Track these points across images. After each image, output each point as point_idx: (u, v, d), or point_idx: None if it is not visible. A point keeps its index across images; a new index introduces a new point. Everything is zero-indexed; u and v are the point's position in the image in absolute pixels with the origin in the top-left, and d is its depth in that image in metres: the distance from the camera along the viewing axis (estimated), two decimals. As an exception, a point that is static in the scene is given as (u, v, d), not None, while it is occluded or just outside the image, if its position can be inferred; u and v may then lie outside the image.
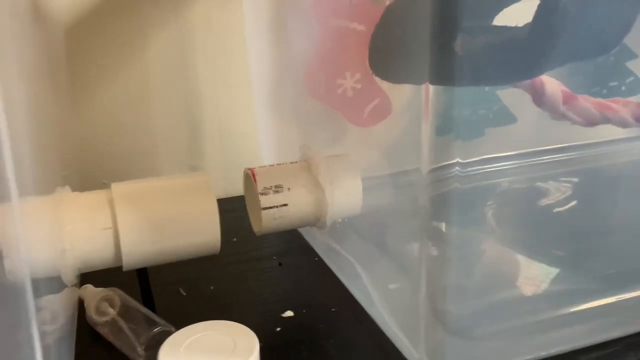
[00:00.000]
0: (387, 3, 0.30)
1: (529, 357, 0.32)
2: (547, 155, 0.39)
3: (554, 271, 0.35)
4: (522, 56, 0.27)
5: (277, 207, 0.37)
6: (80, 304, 0.36)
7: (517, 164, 0.38)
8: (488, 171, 0.36)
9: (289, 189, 0.37)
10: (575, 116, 0.34)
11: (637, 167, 0.40)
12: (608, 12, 0.29)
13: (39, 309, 0.22)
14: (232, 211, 0.39)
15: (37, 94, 0.30)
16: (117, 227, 0.32)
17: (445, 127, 0.28)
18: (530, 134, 0.36)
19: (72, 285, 0.34)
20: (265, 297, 0.39)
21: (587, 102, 0.34)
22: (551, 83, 0.33)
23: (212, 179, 0.35)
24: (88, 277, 0.36)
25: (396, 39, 0.29)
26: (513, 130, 0.34)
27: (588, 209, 0.38)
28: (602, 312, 0.34)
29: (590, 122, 0.34)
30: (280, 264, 0.43)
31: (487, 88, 0.33)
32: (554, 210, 0.38)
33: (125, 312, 0.34)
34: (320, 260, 0.43)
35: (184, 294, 0.39)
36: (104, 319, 0.34)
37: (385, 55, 0.31)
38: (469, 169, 0.29)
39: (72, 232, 0.31)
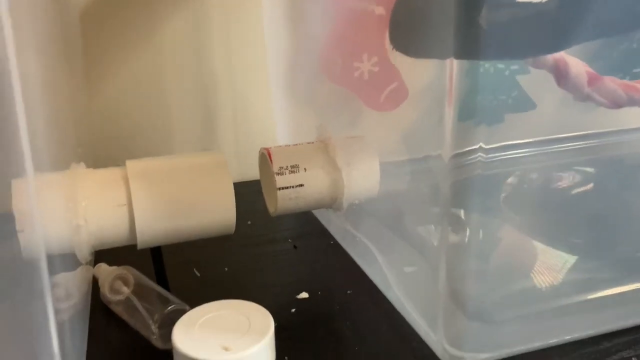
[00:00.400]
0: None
1: (548, 342, 0.31)
2: (567, 143, 0.38)
3: (572, 259, 0.34)
4: (549, 29, 0.26)
5: (293, 187, 0.36)
6: (95, 282, 0.36)
7: (536, 151, 0.37)
8: (507, 158, 0.35)
9: (305, 169, 0.37)
10: (601, 97, 0.33)
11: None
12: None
13: (53, 286, 0.22)
14: (247, 194, 0.39)
15: (53, 72, 0.30)
16: (131, 204, 0.31)
17: (467, 111, 0.27)
18: (549, 120, 0.36)
19: (86, 263, 0.34)
20: (280, 279, 0.38)
21: (613, 83, 0.33)
22: (576, 64, 0.32)
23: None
24: (102, 256, 0.36)
25: (419, 12, 0.28)
26: (532, 116, 0.33)
27: (607, 197, 0.37)
28: (622, 299, 0.34)
29: (616, 104, 0.33)
30: (295, 247, 0.42)
31: (507, 72, 0.32)
32: (573, 198, 0.37)
33: (139, 290, 0.34)
34: (336, 244, 0.43)
35: (198, 274, 0.39)
36: (118, 297, 0.34)
37: (407, 29, 0.30)
38: (490, 156, 0.28)
39: (86, 208, 0.31)
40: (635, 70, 0.34)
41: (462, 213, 0.30)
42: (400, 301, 0.35)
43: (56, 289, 0.23)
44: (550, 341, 0.31)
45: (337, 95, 0.41)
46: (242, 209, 0.34)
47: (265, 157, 0.38)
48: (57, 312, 0.23)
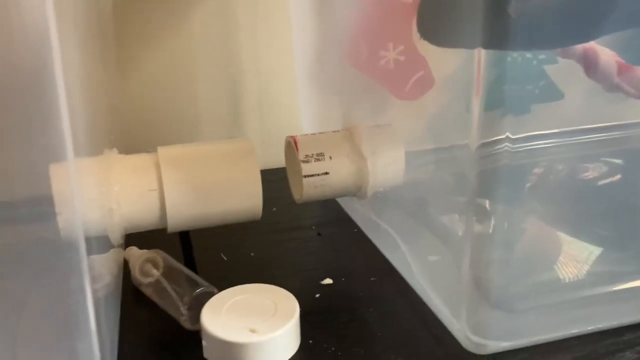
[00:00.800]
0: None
1: (570, 331, 0.31)
2: (594, 134, 0.38)
3: (597, 250, 0.34)
4: (579, 19, 0.26)
5: (318, 175, 0.37)
6: (125, 265, 0.37)
7: (562, 141, 0.37)
8: (533, 148, 0.35)
9: (330, 157, 0.37)
10: (631, 88, 0.33)
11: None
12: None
13: (90, 266, 0.23)
14: (272, 182, 0.40)
15: (89, 57, 0.31)
16: (162, 189, 0.32)
17: (493, 101, 0.27)
18: (577, 111, 0.35)
19: (118, 246, 0.35)
20: (304, 265, 0.39)
21: (643, 74, 0.32)
22: (605, 53, 0.32)
23: (253, 147, 0.35)
24: (132, 239, 0.37)
25: (447, 1, 0.28)
26: (560, 107, 0.33)
27: (635, 188, 0.37)
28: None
29: (646, 95, 0.33)
30: (319, 234, 0.43)
31: (534, 62, 0.32)
32: (600, 190, 0.37)
33: (168, 273, 0.35)
34: (360, 232, 0.43)
35: (225, 258, 0.40)
36: (149, 279, 0.35)
37: (435, 18, 0.30)
38: (516, 146, 0.28)
39: (119, 192, 0.32)
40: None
41: (487, 203, 0.30)
42: (424, 289, 0.35)
43: (91, 270, 0.24)
44: (573, 331, 0.31)
45: (362, 84, 0.41)
46: (268, 196, 0.35)
47: (291, 145, 0.38)
48: (93, 291, 0.24)
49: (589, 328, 0.32)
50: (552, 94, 0.33)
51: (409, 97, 0.36)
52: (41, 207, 0.22)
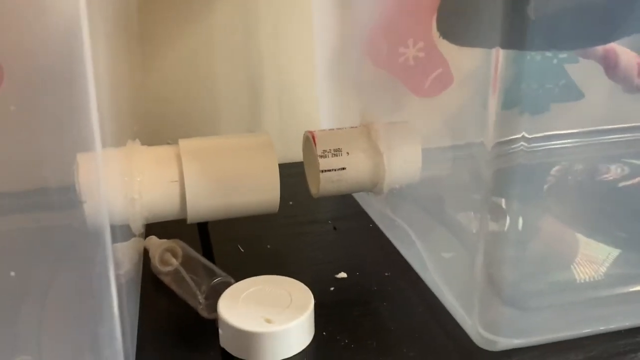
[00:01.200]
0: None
1: (583, 331, 0.31)
2: (615, 134, 0.38)
3: (615, 252, 0.34)
4: (599, 20, 0.26)
5: (335, 170, 0.37)
6: (145, 254, 0.38)
7: (582, 141, 0.37)
8: (551, 148, 0.35)
9: (347, 153, 0.37)
10: (651, 90, 0.33)
11: None
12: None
13: (113, 253, 0.24)
14: (289, 176, 0.40)
15: (115, 52, 0.32)
16: (183, 181, 0.33)
17: (511, 100, 0.28)
18: (597, 111, 0.35)
19: (138, 235, 0.36)
20: (319, 258, 0.40)
21: (665, 76, 0.32)
22: (626, 54, 0.32)
23: (271, 142, 0.36)
24: (152, 229, 0.38)
25: (467, 1, 0.29)
26: (580, 106, 0.33)
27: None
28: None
29: (667, 97, 0.32)
30: (335, 228, 0.43)
31: (555, 61, 0.32)
32: (619, 191, 0.36)
33: (187, 262, 0.35)
34: (375, 227, 0.43)
35: (242, 250, 0.40)
36: (168, 268, 0.36)
37: (454, 17, 0.30)
38: (533, 145, 0.28)
39: (141, 182, 0.33)
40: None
41: (502, 201, 0.30)
42: (437, 285, 0.35)
43: (114, 257, 0.25)
44: (585, 330, 0.31)
45: (381, 80, 0.41)
46: (285, 190, 0.36)
47: (309, 140, 0.39)
48: (116, 276, 0.24)
49: (602, 328, 0.32)
50: (572, 93, 0.33)
51: (428, 94, 0.36)
52: (69, 194, 0.23)
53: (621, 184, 0.37)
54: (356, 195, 0.47)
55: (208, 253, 0.40)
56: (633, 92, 0.33)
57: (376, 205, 0.45)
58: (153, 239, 0.38)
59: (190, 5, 0.52)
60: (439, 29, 0.32)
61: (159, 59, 0.53)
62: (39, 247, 0.25)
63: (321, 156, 0.37)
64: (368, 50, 0.42)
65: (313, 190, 0.39)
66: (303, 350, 0.31)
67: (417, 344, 0.31)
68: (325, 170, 0.37)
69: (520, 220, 0.31)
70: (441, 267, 0.36)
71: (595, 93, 0.34)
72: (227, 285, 0.33)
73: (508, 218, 0.30)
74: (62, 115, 0.22)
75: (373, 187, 0.39)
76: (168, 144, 0.36)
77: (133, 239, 0.34)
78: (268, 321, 0.30)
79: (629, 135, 0.38)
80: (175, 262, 0.36)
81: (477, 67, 0.31)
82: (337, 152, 0.37)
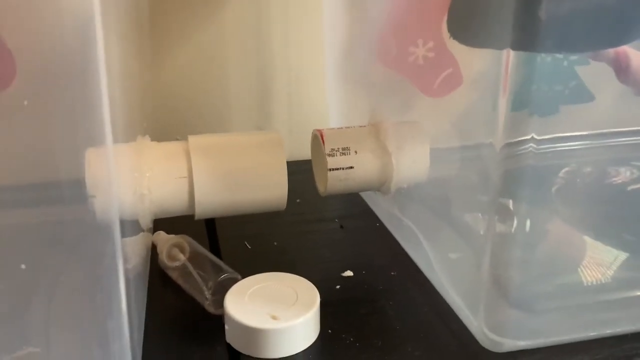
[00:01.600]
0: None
1: (589, 334, 0.31)
2: (625, 137, 0.37)
3: (622, 255, 0.34)
4: (611, 22, 0.26)
5: (343, 169, 0.37)
6: (153, 249, 0.38)
7: (592, 144, 0.37)
8: (560, 150, 0.35)
9: (356, 151, 0.38)
10: (662, 93, 0.32)
11: None
12: None
13: (123, 247, 0.24)
14: (297, 173, 0.40)
15: (127, 48, 0.32)
16: (192, 177, 0.33)
17: (521, 101, 0.28)
18: (607, 114, 0.35)
19: (147, 230, 0.36)
20: (326, 256, 0.40)
21: (676, 79, 0.32)
22: (638, 56, 0.32)
23: (280, 139, 0.36)
24: (160, 224, 0.38)
25: (477, 2, 0.29)
26: (590, 109, 0.33)
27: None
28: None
29: (678, 101, 0.32)
30: (341, 227, 0.44)
31: (565, 63, 0.32)
32: (628, 194, 0.36)
33: (194, 258, 0.36)
34: (382, 226, 0.44)
35: (249, 247, 0.40)
36: (175, 264, 0.36)
37: (465, 18, 0.30)
38: (542, 147, 0.28)
39: (150, 178, 0.33)
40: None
41: (510, 203, 0.30)
42: (443, 285, 0.35)
43: (123, 252, 0.25)
44: (591, 334, 0.31)
45: (390, 79, 0.41)
46: (292, 188, 0.36)
47: (317, 139, 0.39)
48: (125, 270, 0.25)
49: (608, 331, 0.32)
50: (583, 95, 0.33)
51: (437, 94, 0.36)
52: (81, 189, 0.23)
53: (630, 187, 0.36)
54: (363, 194, 0.48)
55: (215, 249, 0.40)
56: (644, 95, 0.33)
57: (383, 205, 0.45)
58: (161, 234, 0.38)
59: (202, 4, 0.52)
60: (450, 29, 0.32)
61: (169, 56, 0.53)
62: (49, 241, 0.25)
63: (329, 155, 0.37)
64: (377, 50, 0.42)
65: (321, 189, 0.40)
66: (308, 348, 0.31)
67: (423, 343, 0.31)
68: (333, 169, 0.37)
69: (528, 222, 0.31)
70: (447, 268, 0.36)
71: (605, 95, 0.34)
72: (234, 281, 0.33)
73: (515, 220, 0.30)
74: (75, 110, 0.22)
75: (381, 187, 0.39)
76: (177, 140, 0.36)
77: (141, 234, 0.34)
78: (274, 318, 0.30)
79: (638, 138, 0.37)
80: (182, 258, 0.36)
81: (486, 67, 0.31)
82: (345, 150, 0.37)
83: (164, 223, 0.37)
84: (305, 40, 0.55)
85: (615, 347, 0.31)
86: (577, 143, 0.36)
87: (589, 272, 0.33)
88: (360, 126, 0.40)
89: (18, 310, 0.26)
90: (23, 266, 0.24)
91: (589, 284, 0.33)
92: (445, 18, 0.33)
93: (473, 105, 0.33)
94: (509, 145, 0.28)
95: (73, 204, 0.24)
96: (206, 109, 0.55)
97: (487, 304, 0.30)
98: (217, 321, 0.32)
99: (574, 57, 0.32)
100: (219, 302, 0.32)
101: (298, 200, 0.46)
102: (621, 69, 0.32)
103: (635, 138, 0.37)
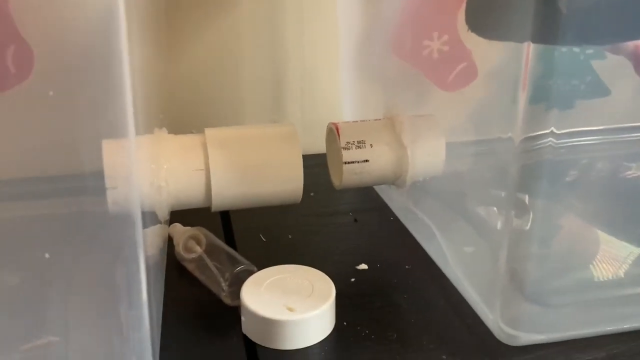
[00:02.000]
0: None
1: (605, 329, 0.31)
2: (639, 133, 0.37)
3: (637, 250, 0.34)
4: (632, 14, 0.26)
5: (358, 162, 0.37)
6: (169, 241, 0.39)
7: (606, 139, 0.37)
8: (575, 145, 0.35)
9: (371, 145, 0.38)
10: (682, 88, 0.32)
11: None
12: None
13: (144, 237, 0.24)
14: (311, 167, 0.40)
15: (145, 41, 0.32)
16: (208, 169, 0.33)
17: (537, 95, 0.27)
18: (623, 108, 0.35)
19: (164, 222, 0.36)
20: (340, 250, 0.40)
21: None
22: (658, 50, 0.32)
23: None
24: (175, 217, 0.39)
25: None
26: (605, 103, 0.33)
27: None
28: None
29: (698, 95, 0.32)
30: (356, 220, 0.44)
31: (582, 57, 0.32)
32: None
33: (210, 250, 0.36)
34: (396, 220, 0.44)
35: (264, 240, 0.41)
36: (191, 255, 0.36)
37: (484, 10, 0.30)
38: (559, 141, 0.28)
39: (168, 170, 0.33)
40: None
41: (526, 197, 0.30)
42: (458, 279, 0.35)
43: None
44: (608, 328, 0.31)
45: (405, 73, 0.41)
46: (306, 181, 0.36)
47: (332, 132, 0.39)
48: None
49: (625, 326, 0.32)
50: (599, 90, 0.33)
51: (452, 87, 0.36)
52: (102, 180, 0.24)
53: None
54: (377, 188, 0.48)
55: (230, 242, 0.40)
56: (662, 89, 0.33)
57: (398, 199, 0.45)
58: (177, 226, 0.38)
59: (216, -3, 0.52)
60: (468, 21, 0.31)
61: (184, 49, 0.53)
62: (71, 231, 0.26)
63: (344, 148, 0.37)
64: (392, 43, 0.42)
65: (335, 182, 0.40)
66: (324, 339, 0.31)
67: (438, 336, 0.31)
68: (348, 162, 0.37)
69: (544, 217, 0.31)
70: (462, 262, 0.36)
71: (621, 90, 0.33)
72: (250, 273, 0.33)
73: (531, 214, 0.30)
74: (97, 102, 0.23)
75: (396, 180, 0.39)
76: (191, 132, 0.36)
77: (158, 225, 0.35)
78: (290, 309, 0.30)
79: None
80: (199, 250, 0.36)
81: (503, 61, 0.31)
82: (360, 144, 0.37)
83: (179, 215, 0.38)
84: (319, 34, 0.55)
85: (631, 342, 0.31)
86: (592, 138, 0.36)
87: (604, 267, 0.33)
88: (376, 119, 0.40)
89: (39, 300, 0.27)
90: (47, 255, 0.24)
91: (605, 279, 0.33)
92: (460, 11, 0.33)
93: (489, 99, 0.33)
94: (526, 139, 0.28)
95: (94, 194, 0.24)
96: (220, 103, 0.55)
97: (504, 298, 0.30)
98: (234, 313, 0.32)
99: (590, 51, 0.31)
100: (236, 294, 0.32)
101: (312, 194, 0.46)
102: (640, 63, 0.31)
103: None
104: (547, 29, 0.25)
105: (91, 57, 0.22)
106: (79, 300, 0.27)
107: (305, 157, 0.36)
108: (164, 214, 0.34)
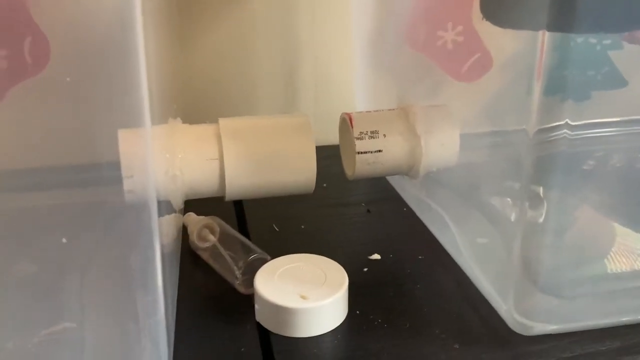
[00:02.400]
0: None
1: (620, 319, 0.31)
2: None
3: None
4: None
5: (371, 152, 0.37)
6: (184, 230, 0.39)
7: (622, 130, 0.36)
8: (590, 136, 0.35)
9: (384, 135, 0.38)
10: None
11: None
12: None
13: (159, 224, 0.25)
14: (324, 158, 0.41)
15: (160, 32, 0.32)
16: (222, 159, 0.34)
17: (553, 86, 0.27)
18: (640, 99, 0.34)
19: (178, 211, 0.37)
20: (353, 240, 0.40)
21: None
22: (676, 40, 0.31)
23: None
24: (190, 206, 0.39)
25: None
26: (622, 94, 0.33)
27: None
28: None
29: None
30: (368, 211, 0.44)
31: (598, 47, 0.31)
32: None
33: (224, 239, 0.36)
34: (409, 210, 0.44)
35: (277, 229, 0.41)
36: (205, 244, 0.37)
37: (500, -1, 0.30)
38: (574, 133, 0.28)
39: (182, 160, 0.33)
40: None
41: (541, 189, 0.30)
42: (472, 269, 0.35)
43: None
44: (623, 319, 0.31)
45: (419, 63, 0.41)
46: (318, 172, 0.36)
47: (346, 122, 0.39)
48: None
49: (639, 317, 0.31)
50: (615, 81, 0.32)
51: (466, 78, 0.36)
52: (118, 169, 0.24)
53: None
54: (390, 179, 0.48)
55: (243, 231, 0.40)
56: (681, 79, 0.32)
57: (410, 189, 0.45)
58: (191, 215, 0.39)
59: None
60: (482, 10, 0.31)
61: (198, 41, 0.54)
62: (87, 220, 0.26)
63: (358, 138, 0.37)
64: (406, 34, 0.42)
65: (348, 172, 0.40)
66: (337, 328, 0.31)
67: (451, 326, 0.31)
68: (361, 152, 0.37)
69: (558, 209, 0.31)
70: (476, 252, 0.36)
71: (638, 81, 0.33)
72: (263, 261, 0.33)
73: (546, 206, 0.30)
74: (113, 92, 0.23)
75: (409, 171, 0.39)
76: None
77: (173, 214, 0.35)
78: (303, 297, 0.31)
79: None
80: (212, 239, 0.36)
81: (516, 51, 0.31)
82: (374, 134, 0.37)
83: (193, 205, 0.38)
84: (332, 25, 0.55)
85: (647, 333, 0.31)
86: (608, 129, 0.36)
87: (618, 258, 0.33)
88: (389, 109, 0.40)
89: (55, 287, 0.27)
90: (64, 240, 0.25)
91: (619, 270, 0.33)
92: (475, 1, 0.33)
93: (504, 90, 0.33)
94: (541, 130, 0.28)
95: (110, 183, 0.25)
96: (233, 93, 0.55)
97: (518, 289, 0.30)
98: (247, 301, 0.33)
99: (607, 42, 0.31)
100: (249, 282, 0.33)
101: (324, 185, 0.46)
102: (658, 52, 0.31)
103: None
104: (563, 16, 0.25)
105: (107, 48, 0.22)
106: (96, 287, 0.27)
107: (318, 149, 0.37)
108: (178, 203, 0.34)
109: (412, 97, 0.40)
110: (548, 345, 0.30)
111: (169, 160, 0.33)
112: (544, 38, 0.26)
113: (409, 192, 0.45)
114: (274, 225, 0.41)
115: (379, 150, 0.37)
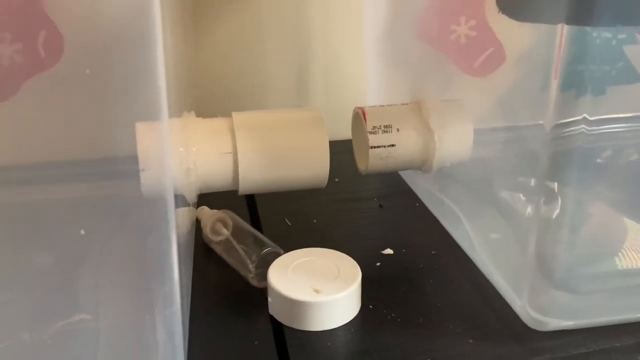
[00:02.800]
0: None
1: (636, 315, 0.31)
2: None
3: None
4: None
5: (384, 147, 0.37)
6: (197, 223, 0.39)
7: (636, 126, 0.36)
8: (605, 132, 0.34)
9: (398, 129, 0.37)
10: None
11: None
12: None
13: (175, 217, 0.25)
14: (336, 153, 0.40)
15: (175, 25, 0.32)
16: (236, 153, 0.34)
17: (570, 81, 0.27)
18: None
19: (192, 205, 0.37)
20: (365, 234, 0.40)
21: None
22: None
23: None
24: (203, 200, 0.39)
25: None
26: (636, 90, 0.32)
27: None
28: None
29: None
30: (381, 206, 0.44)
31: (614, 42, 0.31)
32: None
33: (237, 233, 0.36)
34: (422, 205, 0.43)
35: (289, 223, 0.41)
36: (219, 238, 0.37)
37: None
38: (592, 128, 0.28)
39: (196, 153, 0.33)
40: None
41: (555, 185, 0.30)
42: (485, 264, 0.35)
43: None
44: (637, 315, 0.31)
45: (431, 58, 0.41)
46: (331, 167, 0.36)
47: (359, 116, 0.39)
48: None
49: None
50: (630, 76, 0.32)
51: (479, 73, 0.36)
52: (135, 162, 0.24)
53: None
54: (402, 174, 0.47)
55: (256, 225, 0.41)
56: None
57: (423, 184, 0.44)
58: (205, 209, 0.39)
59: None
60: (499, 3, 0.31)
61: (210, 35, 0.54)
62: (104, 213, 0.26)
63: (371, 132, 0.37)
64: (419, 28, 0.42)
65: (361, 167, 0.40)
66: (350, 322, 0.31)
67: (464, 321, 0.31)
68: (374, 147, 0.37)
69: (573, 204, 0.30)
70: (489, 247, 0.35)
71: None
72: (277, 255, 0.34)
73: (560, 202, 0.30)
74: (130, 85, 0.23)
75: (422, 165, 0.39)
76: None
77: (187, 208, 0.35)
78: (317, 291, 0.31)
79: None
80: (226, 232, 0.37)
81: (530, 46, 0.31)
82: (387, 128, 0.37)
83: (206, 199, 0.38)
84: (344, 19, 0.55)
85: (662, 330, 0.30)
86: (623, 125, 0.35)
87: (632, 255, 0.33)
88: (402, 104, 0.40)
89: (70, 279, 0.27)
90: (82, 232, 0.25)
91: (634, 266, 0.32)
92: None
93: (517, 85, 0.33)
94: (557, 126, 0.28)
95: (127, 176, 0.25)
96: (245, 87, 0.55)
97: (532, 284, 0.30)
98: (261, 294, 0.33)
99: (622, 36, 0.31)
100: (262, 276, 0.33)
101: (337, 179, 0.46)
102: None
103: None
104: (583, 9, 0.25)
105: (123, 41, 0.23)
106: (112, 279, 0.28)
107: (330, 143, 0.36)
108: (192, 197, 0.35)
109: (425, 91, 0.39)
110: (562, 341, 0.30)
111: (183, 153, 0.33)
112: (563, 32, 0.25)
113: (422, 187, 0.45)
114: (286, 220, 0.41)
115: (392, 145, 0.37)
